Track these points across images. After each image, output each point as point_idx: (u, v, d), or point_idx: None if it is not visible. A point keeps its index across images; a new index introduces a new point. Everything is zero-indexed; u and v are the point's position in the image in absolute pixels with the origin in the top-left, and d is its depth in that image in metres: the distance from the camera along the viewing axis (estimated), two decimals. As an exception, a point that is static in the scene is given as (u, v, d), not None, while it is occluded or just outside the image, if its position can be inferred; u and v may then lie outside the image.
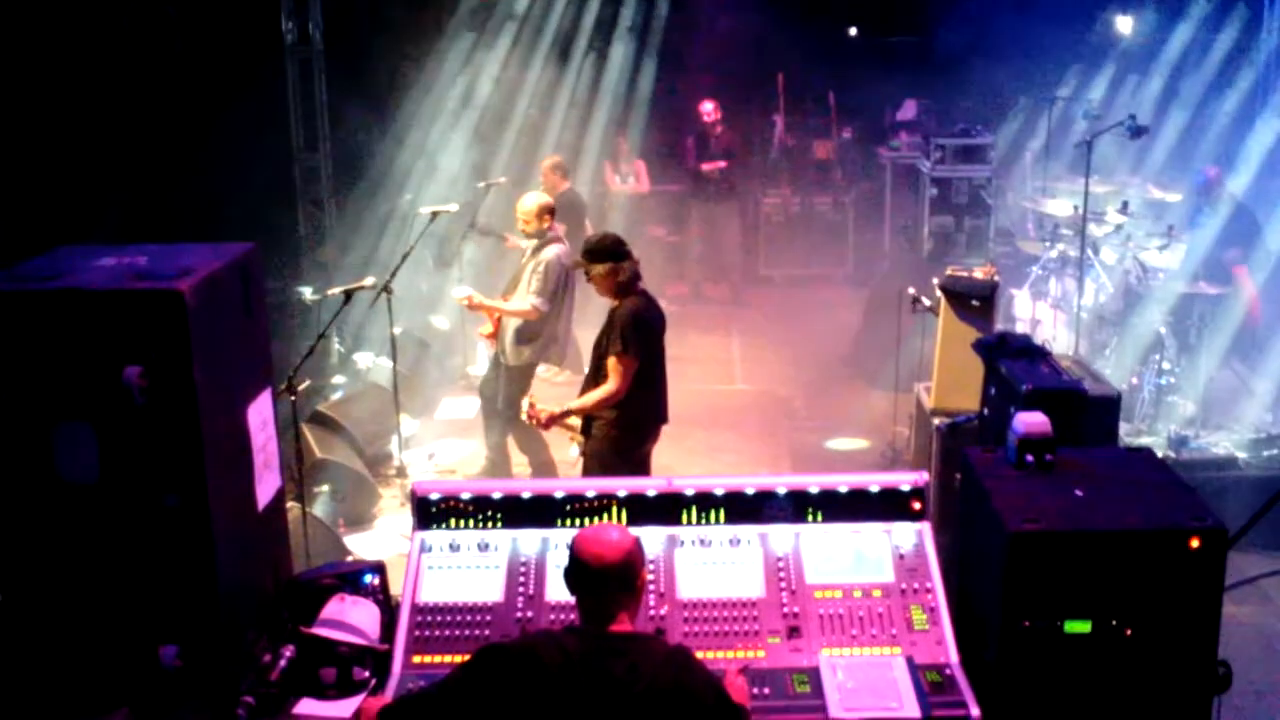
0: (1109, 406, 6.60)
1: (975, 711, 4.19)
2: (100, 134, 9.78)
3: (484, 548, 4.82)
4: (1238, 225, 10.27)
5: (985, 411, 6.37)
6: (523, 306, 8.70)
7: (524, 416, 7.23)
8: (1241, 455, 8.90)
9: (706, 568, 4.74)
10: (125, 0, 10.81)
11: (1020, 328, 10.47)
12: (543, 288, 8.68)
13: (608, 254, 7.00)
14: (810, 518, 4.86)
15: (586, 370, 7.30)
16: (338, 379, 10.55)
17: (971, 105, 14.94)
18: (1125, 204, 10.57)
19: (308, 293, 10.44)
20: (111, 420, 4.35)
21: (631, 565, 3.83)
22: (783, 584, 4.68)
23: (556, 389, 10.73)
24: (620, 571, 3.80)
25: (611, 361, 6.88)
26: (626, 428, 6.97)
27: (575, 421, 7.13)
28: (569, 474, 8.70)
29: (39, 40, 9.29)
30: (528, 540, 4.83)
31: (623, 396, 6.88)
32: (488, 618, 4.62)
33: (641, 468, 7.06)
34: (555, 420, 7.11)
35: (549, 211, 8.98)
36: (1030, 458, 4.57)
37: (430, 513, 4.88)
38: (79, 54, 9.75)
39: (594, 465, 6.99)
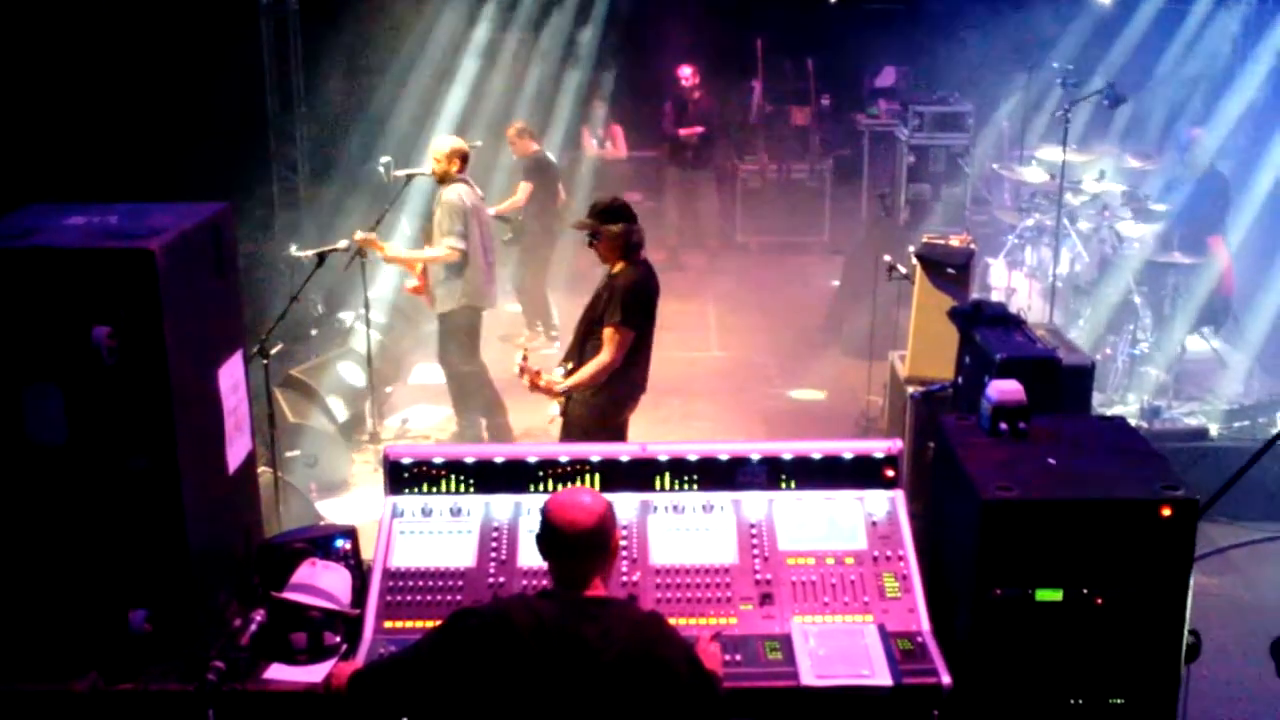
0: (1083, 375, 6.62)
1: (946, 679, 4.20)
2: (73, 93, 9.68)
3: (456, 513, 4.80)
4: (1210, 194, 10.29)
5: (959, 380, 6.37)
6: (437, 252, 8.71)
7: (515, 369, 7.06)
8: (1213, 426, 8.94)
9: (679, 534, 4.74)
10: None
11: (995, 296, 10.48)
12: (452, 227, 8.68)
13: (621, 215, 6.90)
14: (784, 484, 4.86)
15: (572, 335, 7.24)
16: (331, 345, 10.49)
17: (950, 73, 14.91)
18: (1102, 173, 10.59)
19: (286, 252, 10.38)
20: (80, 381, 4.30)
21: (605, 529, 3.82)
22: (755, 550, 4.68)
23: (542, 359, 10.71)
24: (594, 536, 3.79)
25: (609, 331, 6.77)
26: (609, 397, 6.91)
27: (558, 378, 7.02)
28: (543, 436, 8.73)
29: (9, 2, 9.19)
30: (500, 505, 4.82)
31: (618, 367, 6.82)
32: (460, 583, 4.61)
33: (619, 435, 7.01)
34: (551, 393, 6.98)
35: (460, 157, 8.95)
36: (1004, 426, 4.57)
37: (402, 478, 4.87)
38: (52, 13, 9.64)
39: (573, 431, 6.94)
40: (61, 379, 4.31)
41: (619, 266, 6.90)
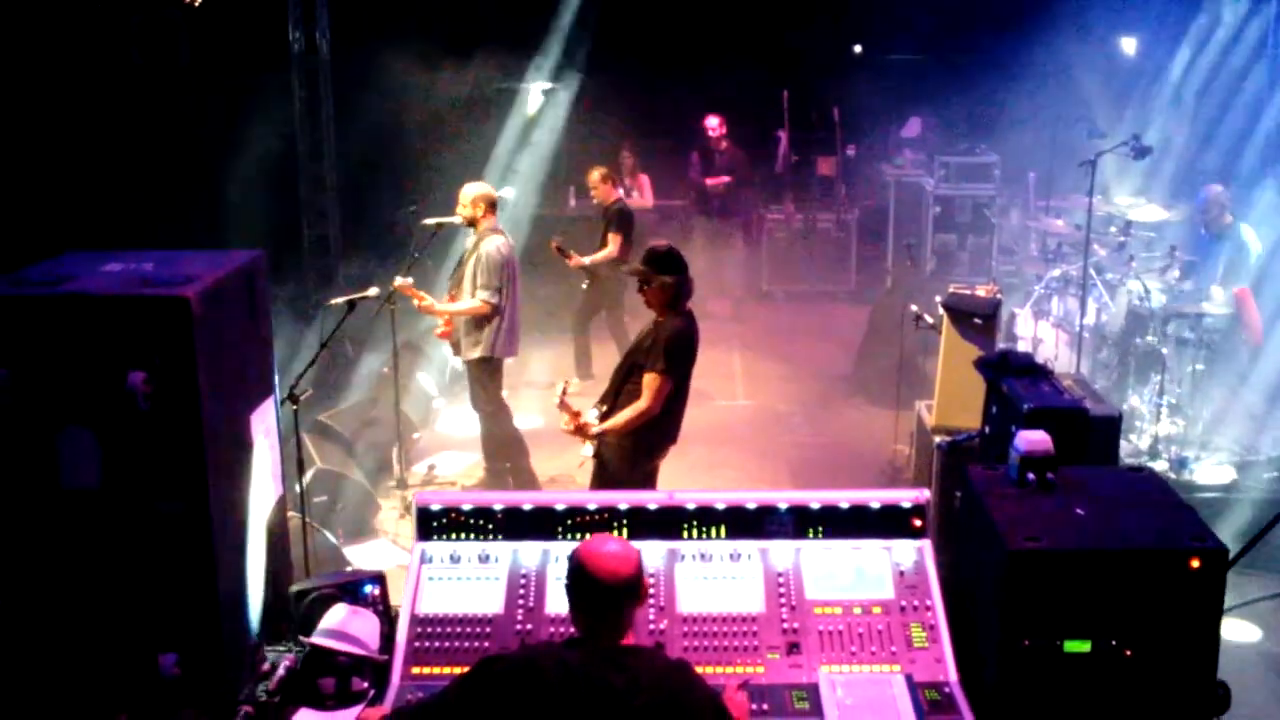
0: (1110, 426, 6.60)
1: (974, 730, 4.19)
2: (108, 142, 9.81)
3: (484, 559, 4.82)
4: (1237, 246, 10.28)
5: (986, 430, 6.36)
6: (473, 304, 8.77)
7: (555, 399, 7.07)
8: (1241, 478, 8.89)
9: (707, 582, 4.75)
10: (133, 10, 10.85)
11: (1022, 346, 10.47)
12: (488, 281, 8.74)
13: (675, 264, 6.96)
14: (811, 534, 4.86)
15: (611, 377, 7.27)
16: (360, 391, 10.55)
17: (976, 124, 14.96)
18: (1128, 224, 10.60)
19: (313, 301, 10.46)
20: (115, 426, 4.35)
21: (640, 578, 3.83)
22: (783, 599, 4.68)
23: (570, 399, 10.73)
24: (630, 586, 3.79)
25: (649, 378, 6.80)
26: (642, 443, 6.94)
27: (592, 419, 7.06)
28: (569, 482, 8.76)
29: (50, 51, 9.34)
30: (528, 552, 4.83)
31: (656, 414, 6.85)
32: (487, 629, 4.62)
33: (649, 480, 7.03)
34: (586, 434, 7.00)
35: (488, 203, 9.03)
36: (1032, 476, 4.57)
37: (431, 524, 4.89)
38: (88, 64, 9.79)
39: (605, 474, 6.95)
40: (96, 424, 4.36)
41: (665, 315, 6.94)
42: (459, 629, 4.63)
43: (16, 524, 4.45)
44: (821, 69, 15.96)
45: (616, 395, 7.00)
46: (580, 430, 6.97)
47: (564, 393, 6.99)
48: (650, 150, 14.98)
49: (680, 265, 6.96)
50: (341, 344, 10.50)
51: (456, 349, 9.13)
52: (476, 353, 8.92)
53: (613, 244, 11.69)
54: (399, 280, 8.97)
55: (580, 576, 3.78)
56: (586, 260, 11.53)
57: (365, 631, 4.64)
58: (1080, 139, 11.94)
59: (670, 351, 6.79)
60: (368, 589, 4.89)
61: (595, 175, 12.08)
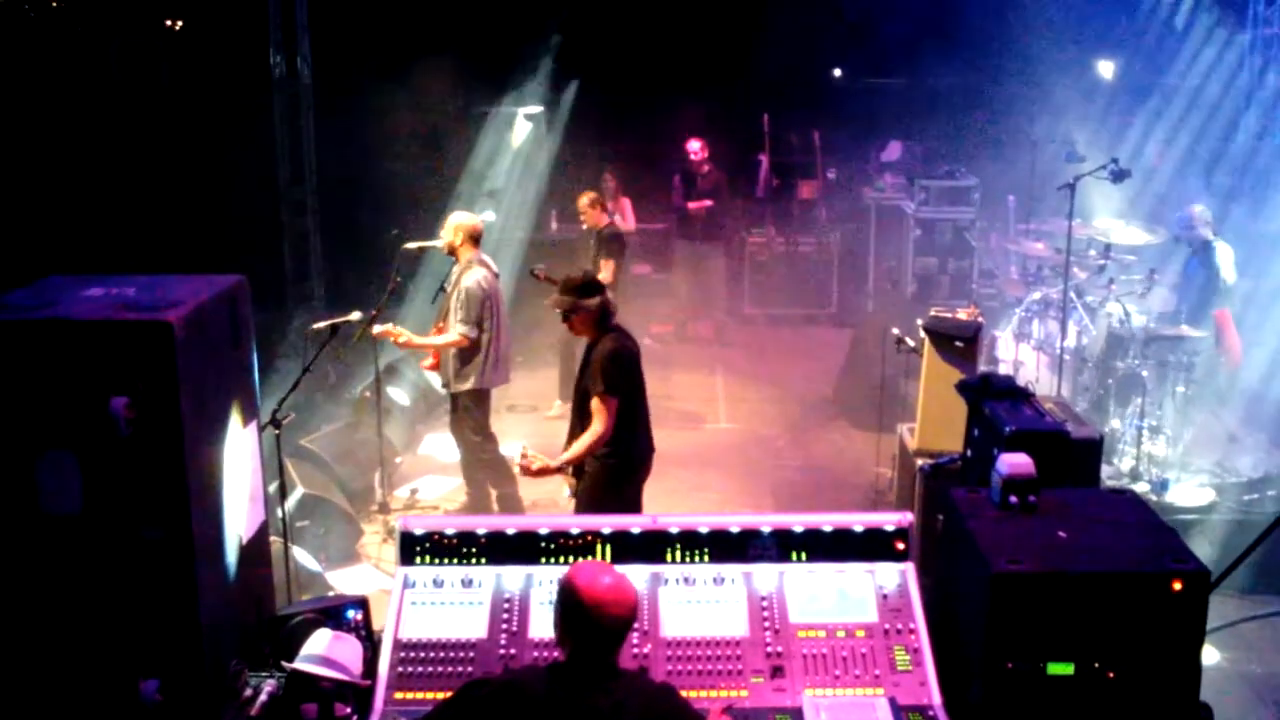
0: (1091, 448, 6.61)
1: (958, 753, 4.19)
2: (88, 165, 9.80)
3: (468, 584, 4.81)
4: (1215, 267, 10.33)
5: (968, 452, 6.38)
6: (452, 338, 8.77)
7: (517, 469, 7.12)
8: (1221, 499, 8.92)
9: (690, 606, 4.74)
10: (113, 34, 10.86)
11: (1003, 369, 10.51)
12: (467, 315, 8.74)
13: (596, 289, 7.02)
14: (794, 557, 4.86)
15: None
16: (342, 415, 10.52)
17: (956, 147, 15.03)
18: (1107, 247, 10.65)
19: (294, 326, 10.44)
20: (96, 451, 4.34)
21: (637, 612, 3.84)
22: (766, 623, 4.68)
23: (550, 423, 10.74)
24: (630, 623, 3.81)
25: (595, 402, 6.84)
26: (617, 465, 6.95)
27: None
28: (553, 507, 8.75)
29: (28, 74, 9.33)
30: (512, 577, 4.82)
31: (611, 435, 6.86)
32: (471, 654, 4.60)
33: (634, 504, 7.03)
34: (548, 473, 7.02)
35: (472, 235, 9.00)
36: (1014, 499, 4.58)
37: (414, 548, 4.87)
38: (68, 88, 9.79)
39: (586, 504, 6.95)
40: (78, 449, 4.35)
41: (595, 337, 6.98)
42: (442, 654, 4.61)
43: (-3, 549, 4.43)
44: (802, 93, 16.04)
45: (584, 427, 7.01)
46: (543, 471, 6.96)
47: (524, 455, 6.99)
48: (632, 174, 15.01)
49: (600, 287, 7.06)
50: (323, 368, 10.48)
51: (446, 382, 9.11)
52: (466, 385, 8.90)
53: (606, 270, 11.59)
54: (377, 329, 8.95)
55: (581, 614, 3.75)
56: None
57: (348, 657, 4.62)
58: (1059, 162, 11.99)
59: (607, 370, 6.83)
60: (350, 614, 4.88)
61: (584, 200, 12.08)
